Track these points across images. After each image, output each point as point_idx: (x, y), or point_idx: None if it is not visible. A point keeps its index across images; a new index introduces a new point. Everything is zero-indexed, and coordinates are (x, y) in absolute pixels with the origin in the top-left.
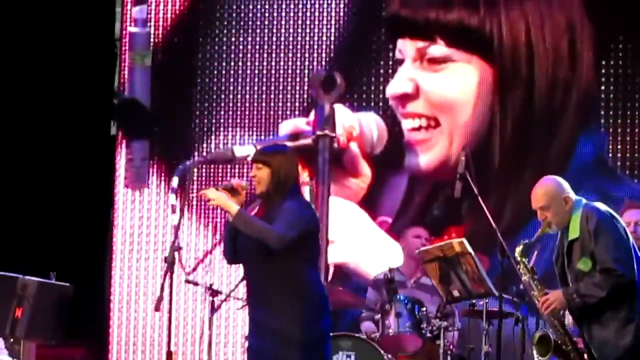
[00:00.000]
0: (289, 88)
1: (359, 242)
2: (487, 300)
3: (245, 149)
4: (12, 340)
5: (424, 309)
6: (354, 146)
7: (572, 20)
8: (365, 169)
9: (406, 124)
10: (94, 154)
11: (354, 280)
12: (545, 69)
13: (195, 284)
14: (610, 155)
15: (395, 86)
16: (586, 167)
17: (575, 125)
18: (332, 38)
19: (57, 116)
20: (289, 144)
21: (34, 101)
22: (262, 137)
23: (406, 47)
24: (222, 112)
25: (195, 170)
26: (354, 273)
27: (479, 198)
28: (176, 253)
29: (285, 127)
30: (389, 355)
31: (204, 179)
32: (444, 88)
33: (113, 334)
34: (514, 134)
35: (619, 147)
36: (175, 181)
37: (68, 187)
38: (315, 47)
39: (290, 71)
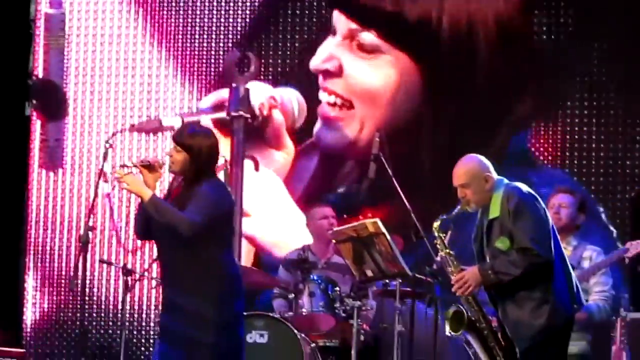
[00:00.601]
0: (203, 69)
1: (277, 216)
2: (400, 280)
3: (173, 120)
4: None
5: (337, 288)
6: (277, 115)
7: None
8: (288, 142)
9: (323, 97)
10: (8, 135)
11: (265, 260)
12: (486, 72)
13: (109, 263)
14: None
15: (320, 60)
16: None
17: (509, 125)
18: (248, 12)
19: None
20: (212, 116)
21: None
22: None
23: (340, 22)
24: (137, 93)
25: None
26: (269, 247)
27: (393, 179)
28: (90, 233)
29: (209, 98)
30: (303, 335)
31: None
32: (366, 76)
33: (28, 315)
34: (449, 136)
35: (541, 138)
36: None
37: None
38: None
39: (204, 52)
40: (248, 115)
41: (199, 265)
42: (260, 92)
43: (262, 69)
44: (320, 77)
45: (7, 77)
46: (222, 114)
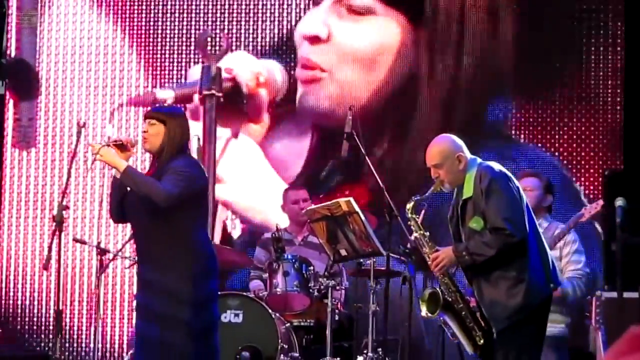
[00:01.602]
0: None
1: (252, 183)
2: (374, 260)
3: (166, 93)
4: None
5: (312, 267)
6: (262, 92)
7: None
8: (266, 116)
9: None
10: None
11: (240, 240)
12: (476, 37)
13: (84, 242)
14: (511, 121)
15: (308, 26)
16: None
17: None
18: None
19: None
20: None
21: None
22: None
23: None
24: (109, 72)
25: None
26: (244, 212)
27: (367, 158)
28: (64, 212)
29: (195, 71)
30: (277, 314)
31: None
32: (356, 40)
33: (2, 295)
34: (440, 101)
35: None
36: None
37: None
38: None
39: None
40: (220, 94)
41: (173, 243)
42: (246, 69)
43: (248, 39)
44: (306, 44)
45: None
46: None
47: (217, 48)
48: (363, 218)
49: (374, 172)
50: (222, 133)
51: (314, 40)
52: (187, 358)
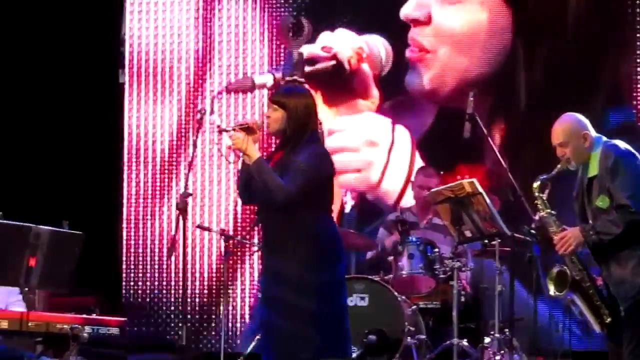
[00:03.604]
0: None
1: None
2: (499, 240)
3: (265, 77)
4: (26, 289)
5: (437, 249)
6: (365, 67)
7: None
8: (374, 91)
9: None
10: (103, 103)
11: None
12: (577, 15)
13: (208, 229)
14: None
15: (409, 9)
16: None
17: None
18: None
19: (66, 64)
20: (308, 68)
21: (44, 51)
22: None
23: None
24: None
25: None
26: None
27: (489, 139)
28: (187, 199)
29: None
30: (403, 297)
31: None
32: (455, 23)
33: (125, 282)
34: (542, 79)
35: None
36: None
37: (79, 135)
38: None
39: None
40: (302, 80)
41: (298, 230)
42: (348, 44)
43: (352, 16)
44: (411, 26)
45: (100, 45)
46: (326, 64)
47: (299, 34)
48: (487, 199)
49: (497, 152)
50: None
51: (416, 22)
52: (315, 347)
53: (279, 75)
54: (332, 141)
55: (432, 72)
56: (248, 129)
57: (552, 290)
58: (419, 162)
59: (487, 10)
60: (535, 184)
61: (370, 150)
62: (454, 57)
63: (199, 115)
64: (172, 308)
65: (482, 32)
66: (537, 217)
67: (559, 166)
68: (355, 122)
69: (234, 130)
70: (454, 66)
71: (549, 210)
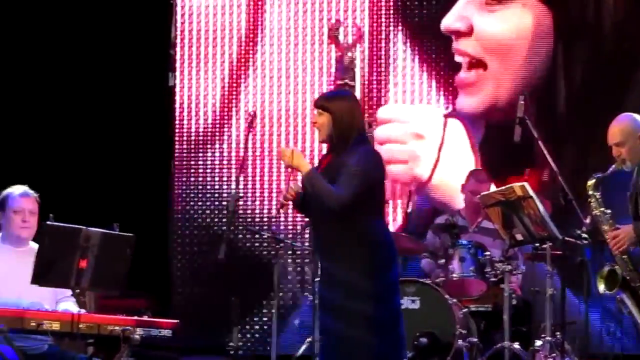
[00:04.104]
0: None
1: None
2: (550, 244)
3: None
4: (77, 291)
5: (487, 253)
6: None
7: None
8: None
9: (458, 58)
10: (151, 105)
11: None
12: (614, 17)
13: (259, 232)
14: None
15: (450, 21)
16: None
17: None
18: None
19: (117, 67)
20: None
21: (95, 54)
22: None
23: None
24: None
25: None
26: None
27: (539, 142)
28: (237, 202)
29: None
30: (454, 300)
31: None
32: (497, 30)
33: (175, 285)
34: (581, 82)
35: None
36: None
37: (129, 138)
38: None
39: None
40: (353, 83)
41: (351, 235)
42: None
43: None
44: (454, 38)
45: (149, 48)
46: None
47: (349, 38)
48: (538, 202)
49: (547, 155)
50: None
51: (458, 34)
52: (371, 352)
53: None
54: (379, 131)
55: (484, 92)
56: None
57: (601, 288)
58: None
59: (530, 14)
60: (590, 182)
61: (417, 143)
62: (503, 69)
63: (249, 118)
64: (224, 310)
65: (528, 37)
66: (589, 217)
67: (613, 166)
68: (404, 112)
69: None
70: (505, 78)
71: (602, 209)
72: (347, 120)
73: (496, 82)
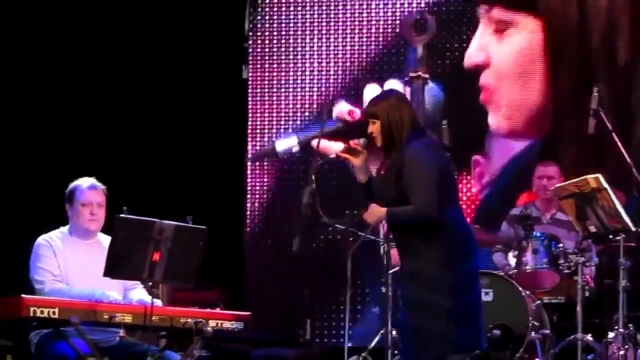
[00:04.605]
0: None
1: None
2: (624, 236)
3: (288, 141)
4: (150, 284)
5: (561, 245)
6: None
7: None
8: None
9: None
10: (227, 98)
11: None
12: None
13: (334, 225)
14: None
15: (470, 57)
16: None
17: None
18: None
19: (191, 61)
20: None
21: (168, 48)
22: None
23: (480, 10)
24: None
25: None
26: None
27: (613, 134)
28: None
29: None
30: (527, 292)
31: None
32: (508, 53)
33: (248, 277)
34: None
35: None
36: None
37: (203, 131)
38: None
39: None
40: (427, 76)
41: (428, 230)
42: None
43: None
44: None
45: (224, 41)
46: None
47: (424, 30)
48: (612, 194)
49: (621, 147)
50: None
51: (479, 67)
52: (452, 342)
53: (302, 136)
54: None
55: (501, 112)
56: (352, 152)
57: None
58: None
59: (536, 29)
60: None
61: None
62: (517, 90)
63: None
64: (296, 302)
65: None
66: None
67: None
68: None
69: (337, 157)
70: (518, 99)
71: None
72: (396, 119)
73: (509, 102)
